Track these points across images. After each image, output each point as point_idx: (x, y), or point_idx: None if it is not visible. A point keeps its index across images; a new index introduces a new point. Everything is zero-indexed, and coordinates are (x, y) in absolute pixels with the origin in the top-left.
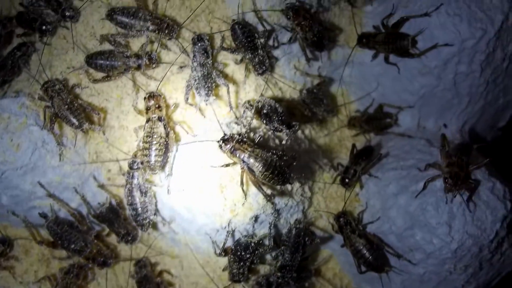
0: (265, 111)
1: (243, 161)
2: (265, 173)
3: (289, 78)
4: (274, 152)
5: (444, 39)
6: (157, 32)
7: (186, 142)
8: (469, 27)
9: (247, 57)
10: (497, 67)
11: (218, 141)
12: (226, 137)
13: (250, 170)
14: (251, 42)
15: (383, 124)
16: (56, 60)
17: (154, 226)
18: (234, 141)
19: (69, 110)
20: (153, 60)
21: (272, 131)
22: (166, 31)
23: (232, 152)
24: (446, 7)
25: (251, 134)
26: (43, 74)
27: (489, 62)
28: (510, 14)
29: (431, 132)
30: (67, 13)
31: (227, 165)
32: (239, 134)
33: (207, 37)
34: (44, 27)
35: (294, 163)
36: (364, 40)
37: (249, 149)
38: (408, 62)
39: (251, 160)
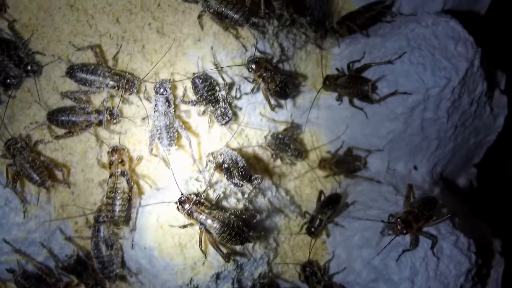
0: (226, 165)
1: (201, 223)
2: (222, 234)
3: (255, 125)
4: (233, 211)
5: (408, 87)
6: (117, 88)
7: (147, 203)
8: (433, 76)
9: (209, 109)
10: (465, 111)
11: (176, 202)
12: (183, 198)
13: (208, 231)
14: (212, 96)
15: (353, 167)
16: (20, 115)
17: (123, 277)
18: (191, 203)
19: (32, 168)
20: (115, 115)
21: (233, 185)
22: (126, 87)
23: (190, 214)
24: (409, 56)
25: (211, 192)
26: (8, 129)
27: (456, 107)
28: (475, 60)
29: (401, 175)
30: (29, 68)
31: (185, 226)
32: (197, 195)
33: (169, 86)
34: (8, 81)
35: (255, 221)
36: (327, 82)
37: (206, 211)
38: (375, 107)
39: (209, 221)
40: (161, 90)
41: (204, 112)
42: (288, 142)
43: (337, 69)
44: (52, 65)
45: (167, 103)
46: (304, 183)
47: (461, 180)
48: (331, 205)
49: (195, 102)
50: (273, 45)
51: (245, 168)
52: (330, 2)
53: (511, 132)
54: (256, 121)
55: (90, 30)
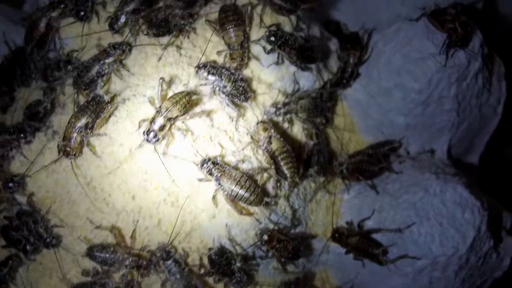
0: None
1: None
2: None
3: (269, 276)
4: None
5: (417, 253)
6: (136, 269)
7: None
8: (440, 247)
9: (225, 280)
10: (472, 267)
11: None
12: None
13: None
14: (228, 270)
15: None
16: (42, 283)
17: None
18: None
19: None
20: None
21: None
22: (145, 265)
23: None
24: (418, 226)
25: None
26: None
27: (463, 267)
28: (482, 226)
29: None
30: (48, 240)
31: None
32: None
33: (172, 250)
34: (28, 247)
35: None
36: (337, 236)
37: None
38: None
39: None
40: (165, 255)
41: (219, 280)
42: None
43: (347, 222)
44: (71, 239)
45: (176, 264)
46: None
47: None
48: None
49: (211, 273)
50: (285, 210)
51: None
52: (334, 139)
53: None
54: (269, 274)
55: (107, 208)
